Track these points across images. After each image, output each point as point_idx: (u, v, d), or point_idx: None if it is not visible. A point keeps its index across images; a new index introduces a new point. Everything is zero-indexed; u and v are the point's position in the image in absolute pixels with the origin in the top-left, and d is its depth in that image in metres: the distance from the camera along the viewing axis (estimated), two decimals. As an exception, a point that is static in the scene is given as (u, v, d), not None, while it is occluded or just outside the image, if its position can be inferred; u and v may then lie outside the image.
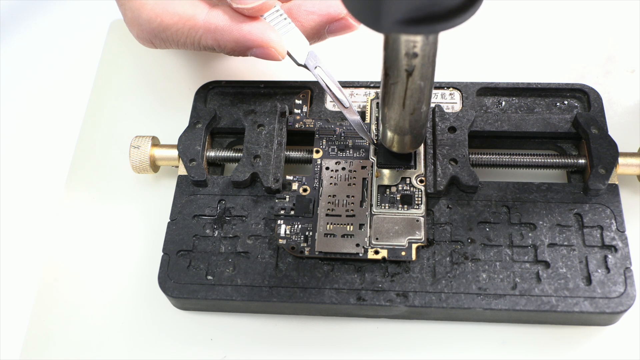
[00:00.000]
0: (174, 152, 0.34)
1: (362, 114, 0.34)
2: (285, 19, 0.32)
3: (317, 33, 0.33)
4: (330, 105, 0.35)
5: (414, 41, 0.23)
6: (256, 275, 0.30)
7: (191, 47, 0.32)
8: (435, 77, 0.36)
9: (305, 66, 0.32)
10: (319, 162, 0.33)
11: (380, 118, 0.29)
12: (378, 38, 0.40)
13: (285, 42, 0.32)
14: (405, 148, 0.31)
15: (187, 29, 0.31)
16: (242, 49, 0.31)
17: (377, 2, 0.19)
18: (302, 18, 0.33)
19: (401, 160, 0.32)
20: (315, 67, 0.32)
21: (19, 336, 0.32)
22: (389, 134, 0.30)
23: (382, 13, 0.20)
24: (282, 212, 0.31)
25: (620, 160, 0.31)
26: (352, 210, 0.31)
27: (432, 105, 0.34)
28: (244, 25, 0.31)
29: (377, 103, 0.34)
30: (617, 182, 0.31)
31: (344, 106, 0.32)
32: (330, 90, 0.32)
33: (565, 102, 0.34)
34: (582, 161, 0.32)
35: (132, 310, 0.32)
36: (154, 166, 0.34)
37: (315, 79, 0.33)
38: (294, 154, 0.34)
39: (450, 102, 0.34)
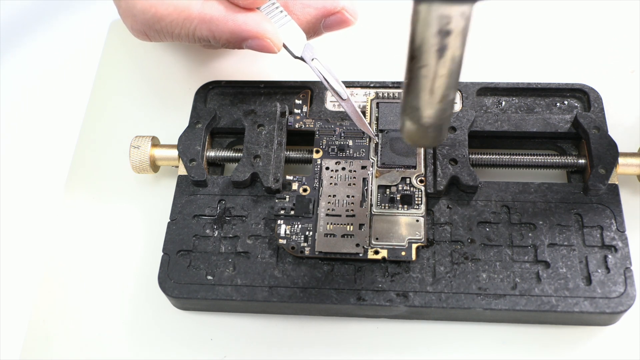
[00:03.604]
0: (174, 152, 0.34)
1: (362, 114, 0.34)
2: (281, 11, 0.32)
3: (313, 27, 0.33)
4: (330, 105, 0.35)
5: (448, 16, 0.21)
6: (256, 275, 0.30)
7: (185, 39, 0.32)
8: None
9: (301, 58, 0.32)
10: (319, 162, 0.33)
11: (401, 110, 0.27)
12: (378, 38, 0.40)
13: (281, 34, 0.31)
14: (429, 142, 0.27)
15: (182, 19, 0.31)
16: (237, 40, 0.31)
17: None
18: (298, 11, 0.33)
19: (402, 161, 0.32)
20: (312, 60, 0.32)
21: (19, 336, 0.32)
22: (412, 126, 0.27)
23: None
24: (282, 212, 0.31)
25: (620, 160, 0.31)
26: (352, 210, 0.31)
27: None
28: (239, 16, 0.31)
29: (377, 103, 0.34)
30: (617, 182, 0.31)
31: (342, 98, 0.32)
32: (328, 83, 0.32)
33: (565, 102, 0.34)
34: (582, 161, 0.32)
35: (132, 310, 0.32)
36: (154, 166, 0.34)
37: (314, 76, 0.33)
38: (294, 154, 0.34)
39: (450, 102, 0.34)
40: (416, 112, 0.26)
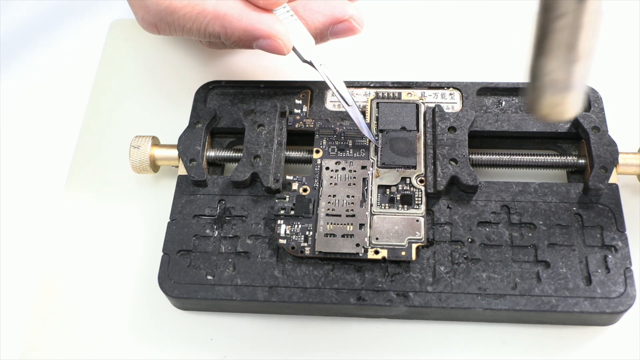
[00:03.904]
0: (174, 152, 0.34)
1: (362, 114, 0.34)
2: (292, 15, 0.32)
3: (320, 33, 0.33)
4: (330, 105, 0.35)
5: None
6: (256, 275, 0.30)
7: (196, 34, 0.32)
8: (435, 77, 0.37)
9: (310, 63, 0.32)
10: (319, 162, 0.33)
11: (530, 76, 0.23)
12: (378, 39, 0.40)
13: (292, 37, 0.32)
14: (566, 113, 0.23)
15: (196, 13, 0.31)
16: (249, 39, 0.31)
17: None
18: (307, 17, 0.33)
19: (402, 161, 0.32)
20: (320, 65, 0.32)
21: (19, 336, 0.32)
22: (543, 95, 0.23)
23: None
24: (282, 212, 0.31)
25: (620, 160, 0.31)
26: (352, 210, 0.31)
27: (432, 105, 0.34)
28: (253, 15, 0.31)
29: (377, 103, 0.34)
30: (617, 182, 0.31)
31: (347, 104, 0.32)
32: (335, 88, 0.32)
33: (565, 102, 0.34)
34: (582, 161, 0.32)
35: (132, 310, 0.32)
36: (154, 166, 0.34)
37: (316, 78, 0.33)
38: (294, 154, 0.34)
39: (450, 102, 0.34)
40: (551, 76, 0.22)
